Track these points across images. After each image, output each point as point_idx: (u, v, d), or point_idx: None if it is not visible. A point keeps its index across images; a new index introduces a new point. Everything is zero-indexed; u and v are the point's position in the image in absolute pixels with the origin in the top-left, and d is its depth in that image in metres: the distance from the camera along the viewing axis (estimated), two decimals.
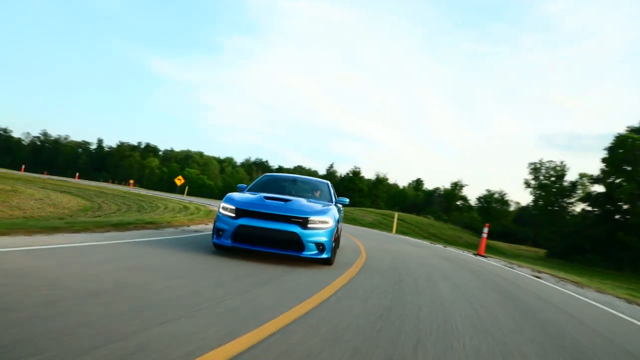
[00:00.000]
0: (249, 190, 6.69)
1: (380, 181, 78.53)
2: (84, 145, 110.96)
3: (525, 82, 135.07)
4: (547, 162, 56.67)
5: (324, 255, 5.51)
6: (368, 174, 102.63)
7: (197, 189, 63.37)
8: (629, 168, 39.16)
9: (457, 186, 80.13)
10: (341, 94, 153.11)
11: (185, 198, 31.08)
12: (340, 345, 2.58)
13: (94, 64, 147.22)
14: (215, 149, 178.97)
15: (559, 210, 54.74)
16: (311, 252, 5.41)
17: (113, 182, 65.26)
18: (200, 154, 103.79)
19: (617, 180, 40.39)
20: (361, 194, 70.36)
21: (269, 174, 8.08)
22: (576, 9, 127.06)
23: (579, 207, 51.22)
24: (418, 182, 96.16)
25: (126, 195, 23.62)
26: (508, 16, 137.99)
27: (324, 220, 5.53)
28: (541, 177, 57.19)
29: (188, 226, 9.33)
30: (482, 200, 76.11)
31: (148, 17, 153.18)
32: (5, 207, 11.79)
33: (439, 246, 17.96)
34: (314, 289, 4.16)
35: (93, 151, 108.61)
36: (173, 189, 49.77)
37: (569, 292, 7.76)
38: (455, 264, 9.86)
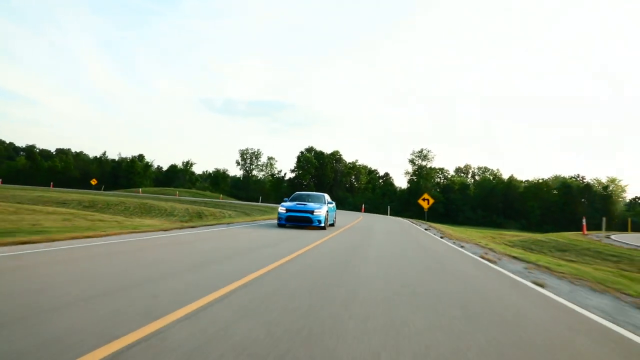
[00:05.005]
0: (290, 200, 16.03)
1: (150, 165, 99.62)
2: None
3: (185, 46, 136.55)
4: (250, 149, 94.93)
5: (321, 225, 14.49)
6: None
7: None
8: (308, 167, 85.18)
9: (188, 164, 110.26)
10: None
11: None
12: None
13: None
14: None
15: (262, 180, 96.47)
16: (315, 224, 14.36)
17: None
18: None
19: (302, 173, 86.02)
20: (140, 175, 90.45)
21: (298, 192, 17.96)
22: None
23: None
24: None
25: None
26: None
27: (320, 211, 14.64)
28: (247, 158, 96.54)
29: None
30: (211, 175, 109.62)
31: None
32: None
33: None
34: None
35: None
36: None
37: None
38: None
